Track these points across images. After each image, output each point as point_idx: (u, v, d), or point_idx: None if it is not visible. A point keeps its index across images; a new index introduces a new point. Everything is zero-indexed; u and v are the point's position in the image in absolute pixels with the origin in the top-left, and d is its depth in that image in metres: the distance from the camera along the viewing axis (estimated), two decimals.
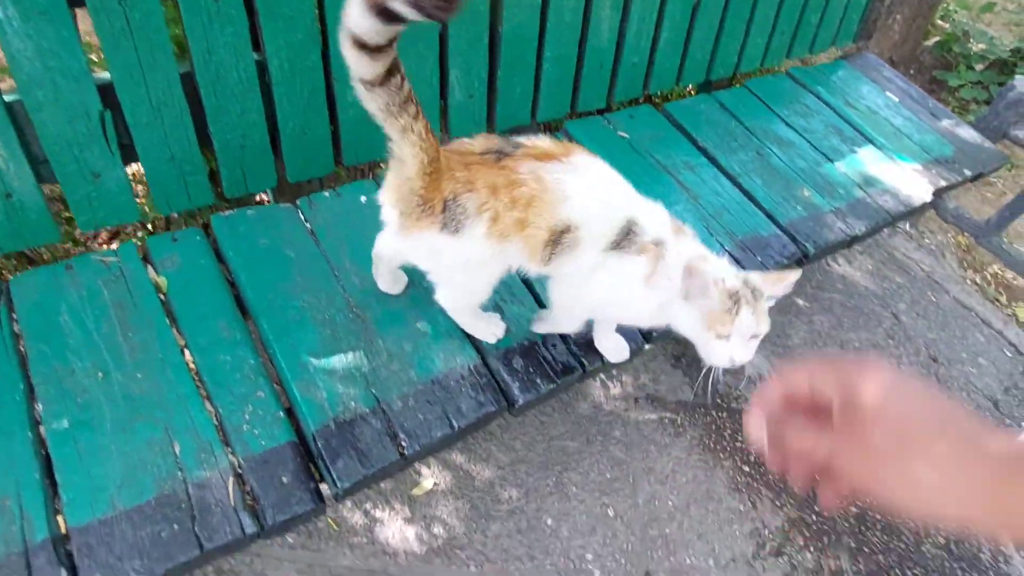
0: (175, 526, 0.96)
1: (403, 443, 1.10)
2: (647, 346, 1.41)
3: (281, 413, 1.10)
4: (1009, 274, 3.08)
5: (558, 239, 1.03)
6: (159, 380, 1.09)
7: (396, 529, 1.71)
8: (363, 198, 1.42)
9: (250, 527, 0.97)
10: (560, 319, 1.26)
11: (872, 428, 0.43)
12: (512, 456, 1.91)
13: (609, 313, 1.23)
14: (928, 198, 1.93)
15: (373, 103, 0.91)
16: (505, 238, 1.02)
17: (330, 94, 1.35)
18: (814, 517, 1.98)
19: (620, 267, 1.05)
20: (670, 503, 1.91)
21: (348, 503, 1.74)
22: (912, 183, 1.95)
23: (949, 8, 4.79)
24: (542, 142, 1.05)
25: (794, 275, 1.10)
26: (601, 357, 1.31)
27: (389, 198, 1.06)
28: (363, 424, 1.10)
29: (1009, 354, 2.67)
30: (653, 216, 1.08)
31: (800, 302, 2.58)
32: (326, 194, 1.41)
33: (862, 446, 0.44)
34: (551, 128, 1.94)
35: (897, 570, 1.93)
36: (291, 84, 1.28)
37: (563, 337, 1.32)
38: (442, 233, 1.01)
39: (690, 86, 2.32)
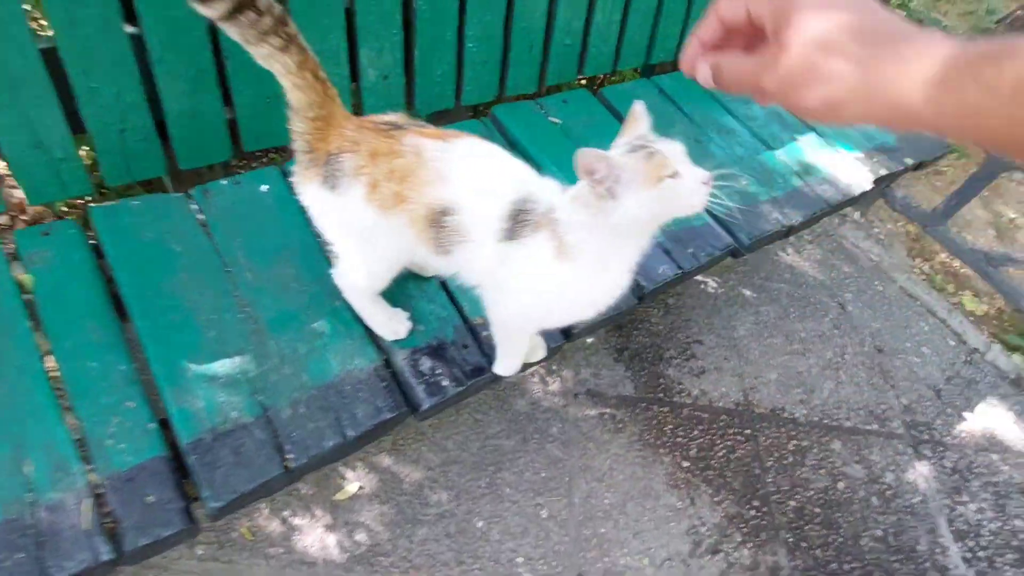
0: (20, 554, 0.86)
1: (289, 455, 1.01)
2: (565, 344, 1.34)
3: (153, 425, 1.00)
4: (956, 263, 3.10)
5: (439, 221, 0.98)
6: (14, 390, 0.98)
7: (316, 537, 1.63)
8: (264, 187, 1.32)
9: (106, 553, 0.88)
10: (504, 342, 1.18)
11: (801, 40, 0.44)
12: (444, 457, 1.84)
13: (555, 314, 1.11)
14: (868, 186, 1.89)
15: (231, 32, 0.90)
16: (386, 210, 0.99)
17: (223, 73, 1.24)
18: (752, 512, 1.95)
19: (526, 254, 0.97)
20: (606, 501, 1.86)
21: (265, 510, 1.65)
22: (852, 171, 1.91)
23: None
24: (436, 128, 1.03)
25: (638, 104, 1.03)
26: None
27: (294, 148, 1.04)
28: (244, 435, 1.01)
29: (952, 343, 2.68)
30: (545, 190, 1.00)
31: (747, 293, 2.55)
32: (223, 182, 1.31)
33: (787, 55, 0.45)
34: (480, 113, 1.85)
35: (834, 564, 1.91)
36: (174, 62, 1.17)
37: (475, 337, 1.24)
38: (323, 188, 1.01)
39: (635, 70, 2.25)
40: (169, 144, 1.26)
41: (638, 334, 2.28)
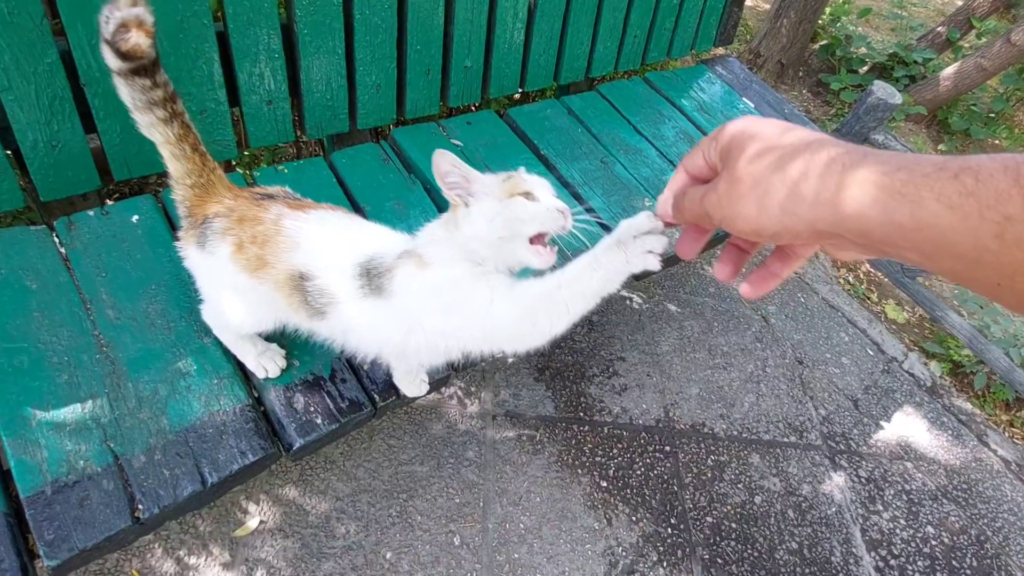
0: None
1: (140, 506, 0.96)
2: (453, 375, 1.32)
3: None
4: (881, 272, 3.19)
5: (299, 285, 0.99)
6: None
7: None
8: (135, 217, 1.26)
9: None
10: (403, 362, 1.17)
11: (742, 170, 0.48)
12: (353, 486, 1.79)
13: (460, 334, 0.98)
14: None
15: (122, 91, 0.97)
16: (252, 272, 1.01)
17: (82, 100, 1.19)
18: (670, 530, 1.95)
19: (398, 296, 0.94)
20: (521, 525, 1.84)
21: (158, 549, 1.58)
22: None
23: (835, 13, 4.97)
24: (304, 200, 1.10)
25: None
26: (397, 391, 1.21)
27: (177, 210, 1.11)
28: (91, 486, 0.96)
29: (871, 352, 2.75)
30: (391, 243, 1.01)
31: (672, 308, 2.57)
32: (90, 213, 1.25)
33: (727, 178, 0.49)
34: (381, 135, 1.82)
35: None
36: (23, 90, 1.11)
37: (355, 371, 1.21)
38: (196, 247, 1.05)
39: (549, 89, 2.25)
40: (27, 175, 1.19)
41: (560, 352, 2.28)
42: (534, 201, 0.90)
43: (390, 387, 1.20)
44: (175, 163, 1.03)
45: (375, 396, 1.18)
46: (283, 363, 1.15)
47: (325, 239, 1.00)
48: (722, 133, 0.52)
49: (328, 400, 1.14)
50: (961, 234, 0.37)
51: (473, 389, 2.08)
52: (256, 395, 1.13)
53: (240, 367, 1.15)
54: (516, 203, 0.88)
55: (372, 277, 0.95)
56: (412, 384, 1.25)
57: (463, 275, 0.91)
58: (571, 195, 1.70)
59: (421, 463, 1.88)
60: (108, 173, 1.28)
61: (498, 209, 0.88)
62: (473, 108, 1.95)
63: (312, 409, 1.13)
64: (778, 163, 0.45)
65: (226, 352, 1.14)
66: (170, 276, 1.20)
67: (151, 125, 0.99)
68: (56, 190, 1.24)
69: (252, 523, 1.66)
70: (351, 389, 1.17)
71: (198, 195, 1.05)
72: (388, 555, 1.69)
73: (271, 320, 1.09)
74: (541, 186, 0.95)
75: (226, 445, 1.04)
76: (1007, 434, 2.65)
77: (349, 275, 0.97)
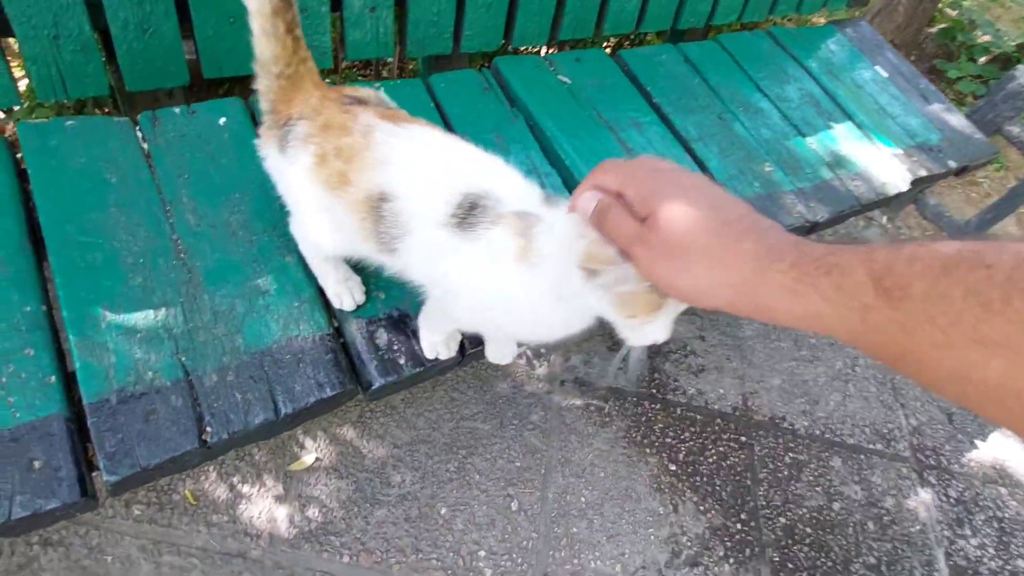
0: None
1: (208, 428, 0.87)
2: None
3: (53, 378, 0.86)
4: None
5: (377, 208, 0.84)
6: None
7: (264, 508, 1.51)
8: (222, 120, 1.16)
9: None
10: (442, 321, 1.01)
11: (668, 233, 0.52)
12: (412, 435, 1.70)
13: (496, 319, 0.89)
14: (905, 187, 1.71)
15: None
16: (331, 189, 0.87)
17: None
18: (739, 526, 1.81)
19: (471, 246, 0.79)
20: (583, 499, 1.73)
21: (212, 474, 1.53)
22: (889, 169, 1.73)
23: None
24: (399, 111, 0.95)
25: None
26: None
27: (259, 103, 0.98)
28: (159, 400, 0.87)
29: None
30: (516, 190, 0.83)
31: None
32: (176, 110, 1.15)
33: (658, 243, 0.53)
34: (480, 63, 1.67)
35: None
36: None
37: None
38: (277, 151, 0.93)
39: (654, 34, 2.05)
40: (114, 60, 1.10)
41: None
42: (653, 322, 0.68)
43: (475, 338, 1.08)
44: (264, 42, 0.90)
45: (464, 342, 1.07)
46: (361, 298, 1.04)
47: (422, 158, 0.85)
48: (641, 179, 0.56)
49: (413, 340, 1.03)
50: (837, 320, 0.45)
51: (543, 351, 1.96)
52: (337, 325, 1.03)
53: (322, 292, 1.04)
54: (633, 326, 0.68)
55: (473, 212, 0.79)
56: (498, 350, 1.10)
57: (541, 299, 0.75)
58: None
59: (483, 420, 1.78)
60: (198, 74, 1.18)
61: (615, 310, 0.67)
62: (582, 45, 1.78)
63: (396, 348, 1.02)
64: (711, 249, 0.50)
65: (309, 274, 1.04)
66: (255, 186, 1.09)
67: None
68: (143, 80, 1.14)
69: (308, 459, 1.59)
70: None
71: (284, 89, 0.93)
72: (443, 511, 1.61)
73: (343, 249, 0.96)
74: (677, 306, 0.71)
75: (303, 374, 0.94)
76: None
77: (443, 199, 0.81)
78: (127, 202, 1.02)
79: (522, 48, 1.54)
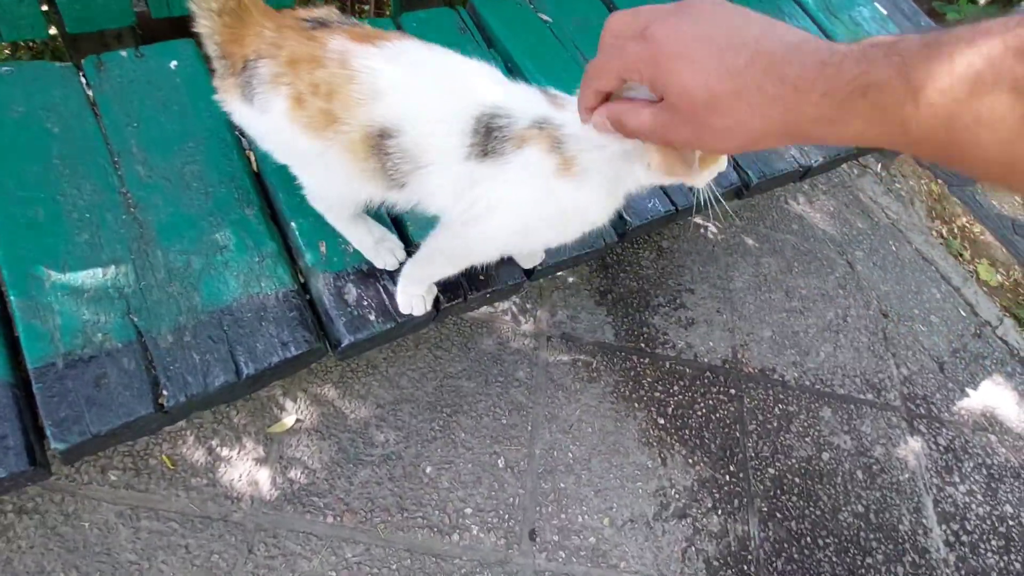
0: None
1: (164, 391, 0.83)
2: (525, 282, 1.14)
3: None
4: (977, 228, 2.87)
5: (379, 146, 0.78)
6: None
7: (245, 470, 1.48)
8: (173, 63, 1.08)
9: None
10: (449, 260, 0.96)
11: (685, 105, 0.49)
12: (396, 394, 1.67)
13: (531, 239, 0.90)
14: None
15: None
16: (317, 131, 0.79)
17: None
18: (728, 477, 1.80)
19: (511, 177, 0.77)
20: (570, 455, 1.71)
21: (190, 437, 1.49)
22: None
23: None
24: (366, 28, 0.83)
25: None
26: (463, 292, 1.04)
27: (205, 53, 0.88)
28: (109, 363, 0.82)
29: (963, 313, 2.49)
30: (520, 98, 0.78)
31: (750, 241, 2.33)
32: (123, 54, 1.06)
33: (683, 118, 0.50)
34: (456, 1, 1.57)
35: (808, 538, 1.79)
36: None
37: None
38: (243, 102, 0.83)
39: None
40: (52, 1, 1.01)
41: (625, 277, 2.08)
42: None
43: (452, 285, 1.03)
44: None
45: (438, 296, 1.01)
46: (403, 256, 0.99)
47: (416, 83, 0.77)
48: (644, 44, 0.51)
49: (384, 296, 0.98)
50: (880, 135, 0.44)
51: (528, 306, 1.92)
52: (302, 280, 0.97)
53: (286, 247, 0.98)
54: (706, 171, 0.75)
55: (491, 138, 0.75)
56: (527, 259, 1.12)
57: (597, 200, 0.78)
58: None
59: (468, 378, 1.74)
60: (148, 15, 1.09)
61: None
62: None
63: (365, 303, 0.96)
64: (735, 106, 0.47)
65: (271, 227, 0.98)
66: (210, 134, 1.02)
67: None
68: (84, 21, 1.05)
69: (288, 420, 1.56)
70: None
71: (229, 25, 0.81)
72: (428, 469, 1.59)
73: (347, 196, 0.89)
74: None
75: (265, 333, 0.89)
76: None
77: (457, 130, 0.76)
78: (71, 154, 0.95)
79: None
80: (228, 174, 0.99)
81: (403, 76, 0.77)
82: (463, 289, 1.03)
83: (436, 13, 1.35)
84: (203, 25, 0.83)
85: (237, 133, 1.04)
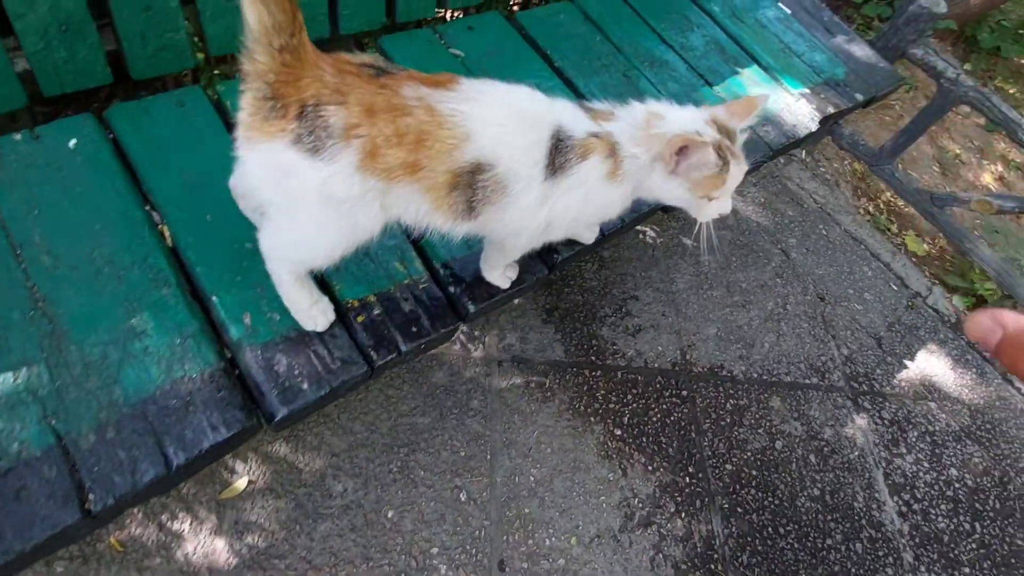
0: None
1: (90, 495, 0.79)
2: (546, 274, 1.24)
3: None
4: (900, 202, 3.00)
5: (472, 182, 0.85)
6: None
7: (200, 542, 1.43)
8: (72, 142, 1.04)
9: None
10: (508, 256, 1.14)
11: None
12: (350, 440, 1.65)
13: (574, 227, 1.20)
14: (814, 127, 1.71)
15: None
16: (391, 180, 0.82)
17: None
18: (687, 479, 1.84)
19: (573, 186, 0.93)
20: (532, 478, 1.72)
21: (139, 515, 1.44)
22: (798, 111, 1.72)
23: None
24: (424, 74, 0.86)
25: (760, 99, 1.04)
26: (397, 346, 1.03)
27: (243, 90, 0.81)
28: (29, 474, 0.79)
29: (895, 287, 2.60)
30: (567, 114, 0.94)
31: (687, 242, 2.38)
32: (16, 137, 1.02)
33: None
34: (363, 45, 1.56)
35: (770, 528, 1.84)
36: None
37: (347, 326, 1.02)
38: (294, 149, 0.78)
39: None
40: None
41: (570, 292, 2.10)
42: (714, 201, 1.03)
43: (386, 343, 1.02)
44: (258, 8, 0.72)
45: (371, 353, 1.00)
46: (332, 316, 1.01)
47: (499, 117, 0.86)
48: None
49: (315, 360, 0.96)
50: None
51: (477, 333, 1.92)
52: (229, 356, 0.95)
53: (209, 323, 0.96)
54: (701, 204, 1.03)
55: (559, 155, 0.90)
56: (502, 276, 1.19)
57: (624, 199, 1.02)
58: None
59: (422, 414, 1.73)
60: (34, 90, 1.04)
61: (687, 198, 1.02)
62: (474, 11, 1.68)
63: (297, 372, 0.95)
64: None
65: (190, 305, 0.95)
66: (118, 213, 0.99)
67: None
68: None
69: (240, 484, 1.52)
70: (342, 346, 0.99)
71: (288, 65, 0.76)
72: (390, 514, 1.57)
73: (364, 239, 0.90)
74: (736, 179, 1.01)
75: (194, 418, 0.87)
76: None
77: (540, 152, 0.89)
78: None
79: (407, 22, 1.43)
80: (140, 254, 0.96)
81: (488, 114, 0.84)
82: (396, 344, 1.02)
83: None
84: (259, 62, 0.77)
85: (147, 208, 1.01)
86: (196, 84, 1.42)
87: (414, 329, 1.04)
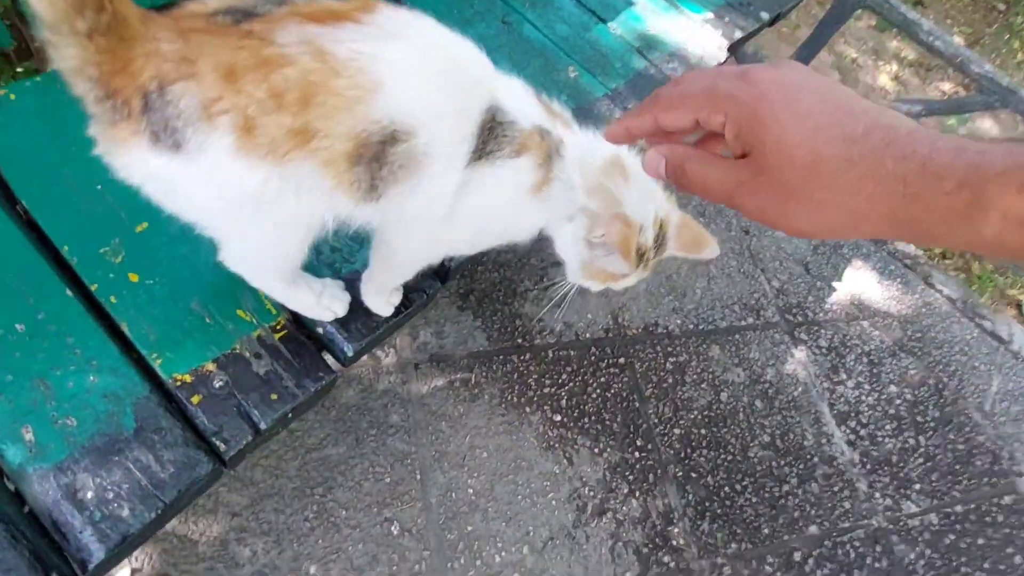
0: None
1: None
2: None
3: None
4: None
5: (381, 155, 0.64)
6: None
7: None
8: None
9: None
10: (396, 273, 0.92)
11: (780, 165, 0.41)
12: (252, 493, 1.41)
13: (468, 246, 0.93)
14: (723, 55, 1.53)
15: None
16: (280, 158, 0.62)
17: None
18: (637, 454, 1.72)
19: (493, 184, 0.73)
20: (470, 491, 1.54)
21: None
22: (703, 38, 1.52)
23: None
24: (326, 3, 0.64)
25: (711, 251, 0.91)
26: (254, 424, 0.79)
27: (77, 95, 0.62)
28: None
29: None
30: (515, 94, 0.75)
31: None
32: None
33: (768, 182, 0.42)
34: None
35: (727, 487, 1.75)
36: None
37: (178, 412, 0.77)
38: (156, 151, 0.61)
39: None
40: None
41: (483, 270, 1.89)
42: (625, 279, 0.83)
43: (236, 420, 0.78)
44: None
45: (216, 442, 0.76)
46: (348, 296, 0.90)
47: (424, 65, 0.65)
48: (744, 85, 0.43)
49: (136, 472, 0.72)
50: None
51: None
52: (12, 490, 0.69)
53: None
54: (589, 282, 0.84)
55: (491, 137, 0.70)
56: (385, 302, 0.96)
57: (536, 224, 0.82)
58: None
59: (335, 444, 1.51)
60: None
61: (579, 268, 0.82)
62: None
63: (112, 494, 0.70)
64: (843, 180, 0.40)
65: None
66: None
67: None
68: None
69: (122, 575, 1.26)
70: (172, 443, 0.74)
71: (107, 50, 0.57)
72: (312, 569, 1.36)
73: (307, 233, 0.73)
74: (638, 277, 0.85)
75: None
76: (947, 271, 2.56)
77: (467, 131, 0.68)
78: None
79: None
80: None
81: (409, 60, 0.63)
82: (251, 420, 0.78)
83: None
84: (68, 58, 0.57)
85: None
86: None
87: (274, 396, 0.80)
